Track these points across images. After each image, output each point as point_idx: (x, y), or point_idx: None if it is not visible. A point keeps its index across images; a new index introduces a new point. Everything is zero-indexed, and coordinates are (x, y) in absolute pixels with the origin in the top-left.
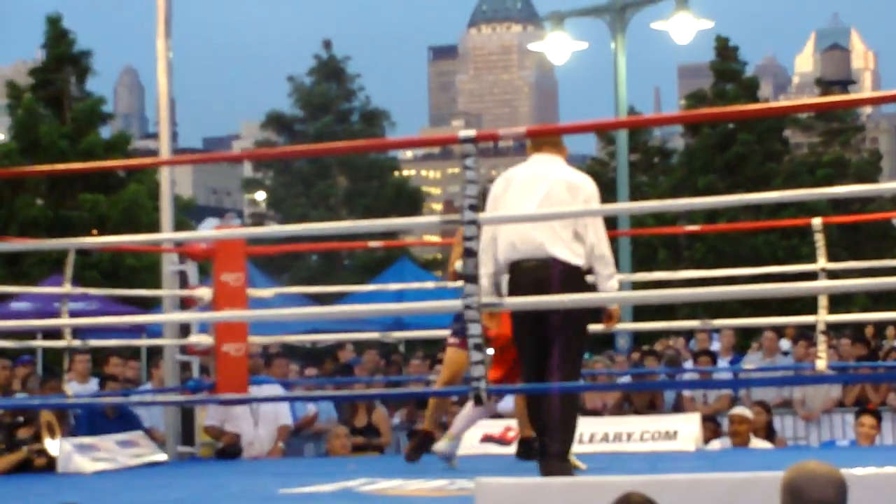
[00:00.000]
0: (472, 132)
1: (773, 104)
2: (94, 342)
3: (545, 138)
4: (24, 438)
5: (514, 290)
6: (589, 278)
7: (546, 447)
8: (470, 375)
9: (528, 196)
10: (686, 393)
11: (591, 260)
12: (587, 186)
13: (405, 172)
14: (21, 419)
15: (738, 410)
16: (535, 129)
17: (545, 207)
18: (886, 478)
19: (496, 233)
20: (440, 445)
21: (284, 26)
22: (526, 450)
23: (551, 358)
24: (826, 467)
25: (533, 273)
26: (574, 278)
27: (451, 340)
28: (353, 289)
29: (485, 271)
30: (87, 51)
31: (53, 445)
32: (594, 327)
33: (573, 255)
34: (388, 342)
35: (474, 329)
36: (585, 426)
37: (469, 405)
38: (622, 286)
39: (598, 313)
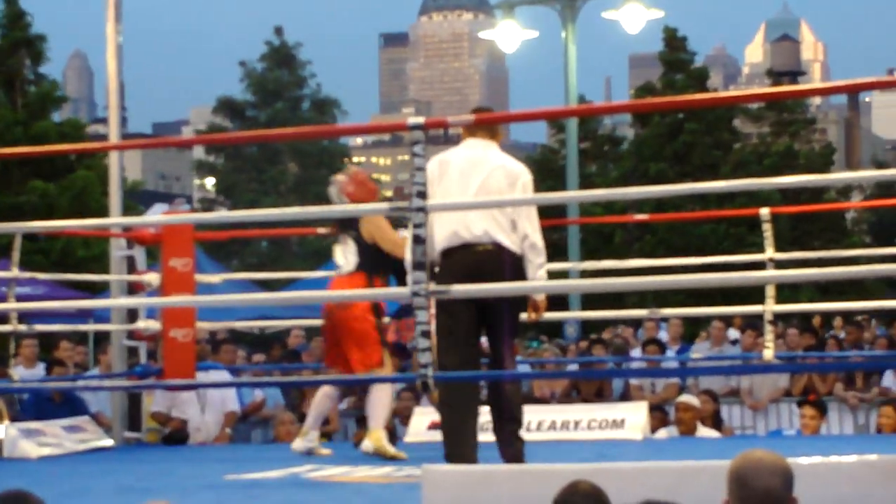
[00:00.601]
0: (420, 119)
1: (721, 94)
2: (41, 327)
3: (479, 126)
4: None
5: (451, 276)
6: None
7: (510, 433)
8: (419, 363)
9: (467, 182)
10: (633, 382)
11: (523, 248)
12: (524, 174)
13: (355, 159)
14: None
15: (685, 398)
16: (483, 116)
17: (483, 194)
18: (831, 467)
19: (431, 220)
20: (296, 444)
21: (235, 13)
22: None
23: (501, 345)
24: (772, 456)
25: (478, 259)
26: (519, 267)
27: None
28: (302, 275)
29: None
30: (42, 35)
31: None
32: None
33: (512, 243)
34: None
35: (422, 316)
36: (533, 414)
37: (318, 395)
38: (571, 275)
39: (525, 303)
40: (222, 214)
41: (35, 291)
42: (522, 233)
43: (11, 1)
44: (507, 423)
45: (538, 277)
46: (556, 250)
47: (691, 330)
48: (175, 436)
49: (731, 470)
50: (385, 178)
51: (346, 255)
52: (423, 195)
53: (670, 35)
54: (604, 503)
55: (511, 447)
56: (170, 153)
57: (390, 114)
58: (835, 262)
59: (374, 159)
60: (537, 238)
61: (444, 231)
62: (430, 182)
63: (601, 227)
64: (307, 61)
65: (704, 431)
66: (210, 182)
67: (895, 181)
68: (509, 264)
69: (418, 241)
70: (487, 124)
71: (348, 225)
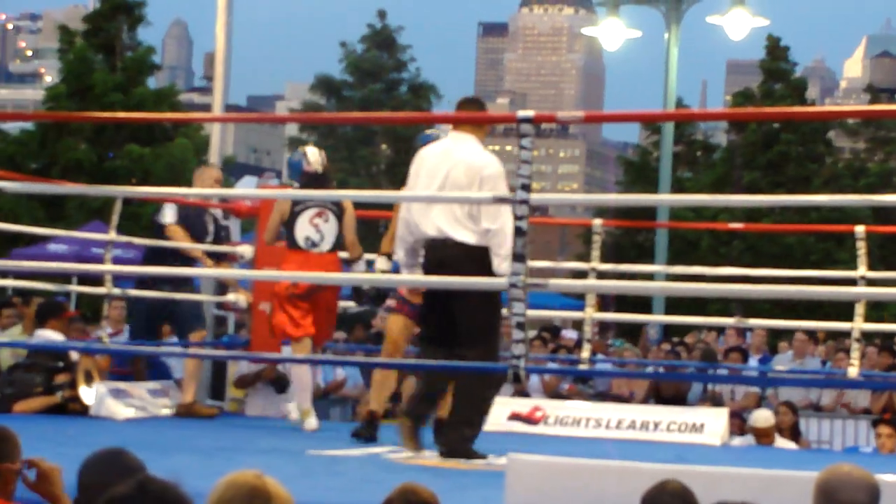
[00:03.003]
0: (530, 112)
1: (819, 108)
2: (134, 291)
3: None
4: (61, 383)
5: (425, 266)
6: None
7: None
8: (510, 353)
9: (433, 177)
10: (715, 388)
11: (487, 239)
12: (487, 166)
13: None
14: (61, 364)
15: (759, 416)
16: (592, 114)
17: (445, 189)
18: None
19: (407, 213)
20: (310, 423)
21: None
22: (369, 427)
23: (462, 341)
24: (860, 471)
25: (436, 255)
26: (471, 259)
27: (390, 304)
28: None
29: (397, 238)
30: (142, 0)
31: (88, 393)
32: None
33: (470, 238)
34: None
35: (518, 308)
36: (613, 412)
37: (297, 371)
38: (657, 278)
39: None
40: (319, 192)
41: (126, 255)
42: (484, 226)
43: None
44: (453, 420)
45: (502, 269)
46: (642, 252)
47: (772, 341)
48: (279, 381)
49: (818, 482)
50: None
51: (322, 231)
52: (527, 188)
53: (773, 43)
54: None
55: (445, 438)
56: (263, 127)
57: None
58: None
59: None
60: (500, 228)
61: (410, 224)
62: (411, 176)
63: (688, 231)
64: (407, 45)
65: (782, 442)
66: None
67: None
68: (466, 259)
69: (520, 232)
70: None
71: (336, 202)
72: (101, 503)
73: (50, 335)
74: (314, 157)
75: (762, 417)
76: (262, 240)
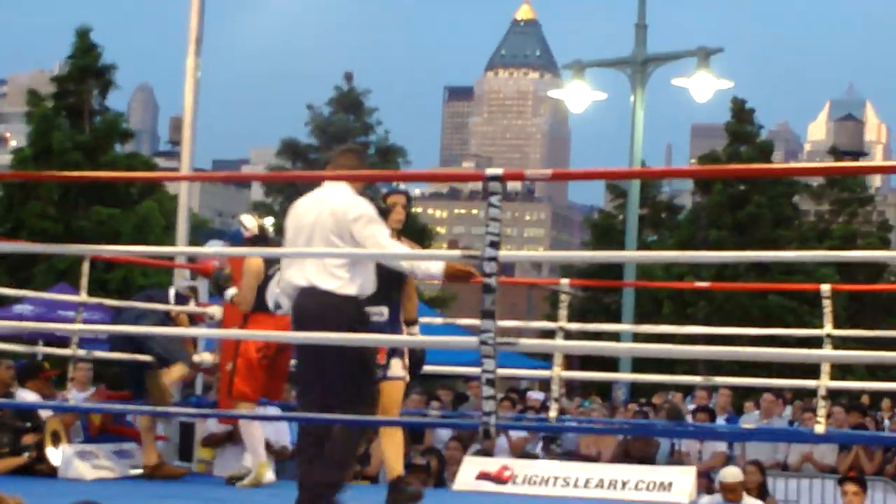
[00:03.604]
0: (498, 171)
1: (792, 165)
2: (99, 353)
3: (339, 164)
4: (28, 444)
5: (293, 319)
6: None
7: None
8: (482, 410)
9: (305, 226)
10: (682, 448)
11: (410, 268)
12: (352, 209)
13: (414, 210)
14: (28, 424)
15: (728, 473)
16: (560, 172)
17: (314, 237)
18: None
19: (284, 268)
20: (268, 476)
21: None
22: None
23: (323, 398)
24: None
25: (298, 301)
26: (335, 308)
27: (394, 373)
28: None
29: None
30: (112, 65)
31: (55, 454)
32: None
33: (338, 284)
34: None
35: (489, 365)
36: (581, 471)
37: (248, 428)
38: (624, 337)
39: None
40: (291, 251)
41: (93, 317)
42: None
43: (83, 33)
44: (317, 479)
45: (429, 274)
46: (609, 315)
47: (739, 401)
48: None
49: None
50: (441, 230)
51: (273, 296)
52: (495, 245)
53: (738, 106)
54: None
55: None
56: (228, 191)
57: (450, 167)
58: (890, 343)
59: (430, 211)
60: (417, 265)
61: (286, 275)
62: (288, 229)
63: (654, 293)
64: (374, 108)
65: (749, 501)
66: (269, 222)
67: None
68: (329, 308)
69: (489, 290)
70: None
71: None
72: None
73: (27, 396)
74: (250, 222)
75: (731, 473)
76: (232, 301)
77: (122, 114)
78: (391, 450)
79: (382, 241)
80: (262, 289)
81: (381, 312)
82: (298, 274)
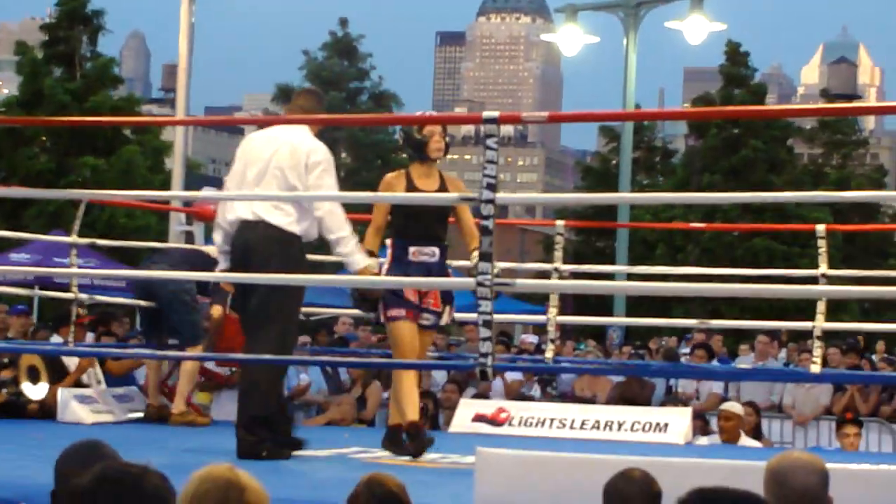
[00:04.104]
0: (495, 113)
1: (787, 106)
2: (100, 297)
3: (297, 105)
4: (4, 380)
5: (232, 251)
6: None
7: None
8: (479, 352)
9: (259, 159)
10: (678, 389)
11: (320, 228)
12: (314, 153)
13: (404, 155)
14: (6, 360)
15: (728, 406)
16: (556, 114)
17: (267, 172)
18: (872, 473)
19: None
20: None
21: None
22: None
23: (253, 329)
24: (809, 456)
25: (246, 238)
26: (279, 243)
27: (395, 313)
28: None
29: (216, 223)
30: (101, 10)
31: (33, 390)
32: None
33: (286, 220)
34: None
35: (485, 307)
36: (577, 413)
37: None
38: (619, 279)
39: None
40: (285, 194)
41: (87, 263)
42: (317, 214)
43: None
44: (244, 420)
45: (345, 254)
46: (602, 258)
47: (734, 348)
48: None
49: (769, 468)
50: None
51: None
52: (493, 187)
53: (733, 49)
54: (654, 491)
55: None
56: (221, 137)
57: (443, 112)
58: (885, 283)
59: None
60: (329, 211)
61: (231, 206)
62: (237, 160)
63: (646, 236)
64: (368, 54)
65: (746, 441)
66: None
67: None
68: (274, 242)
69: (486, 231)
70: (294, 103)
71: None
72: (66, 488)
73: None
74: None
75: (730, 407)
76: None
77: (112, 59)
78: (412, 395)
79: (324, 189)
80: None
81: (432, 253)
82: (244, 207)
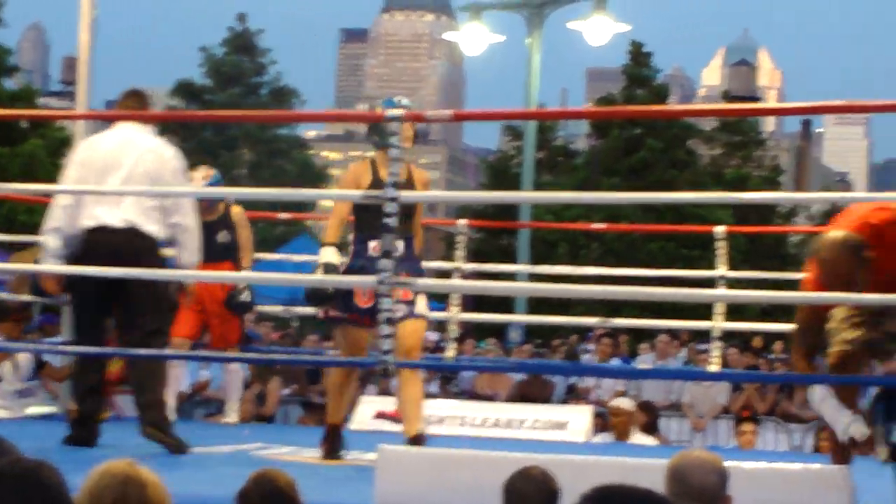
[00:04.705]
0: (399, 111)
1: (687, 106)
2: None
3: (126, 105)
4: None
5: (93, 258)
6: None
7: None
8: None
9: (118, 165)
10: (580, 386)
11: (174, 234)
12: (175, 158)
13: (308, 152)
14: None
15: (618, 402)
16: (461, 112)
17: (133, 179)
18: (770, 472)
19: (79, 199)
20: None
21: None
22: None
23: (131, 327)
24: (710, 455)
25: (109, 241)
26: (153, 251)
27: (334, 315)
28: (257, 256)
29: (52, 227)
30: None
31: None
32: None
33: (158, 228)
34: (285, 318)
35: (386, 304)
36: (478, 410)
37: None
38: (520, 278)
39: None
40: (188, 189)
41: None
42: (174, 220)
43: None
44: (142, 408)
45: (188, 263)
46: (504, 257)
47: (634, 347)
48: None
49: (669, 466)
50: (336, 172)
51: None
52: (397, 185)
53: (636, 49)
54: (553, 489)
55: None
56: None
57: (345, 109)
58: (783, 286)
59: (324, 153)
60: (189, 223)
61: (88, 212)
62: (80, 163)
63: (547, 235)
64: (268, 49)
65: (639, 438)
66: None
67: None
68: (151, 250)
69: (387, 229)
70: (127, 102)
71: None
72: None
73: None
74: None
75: (620, 402)
76: None
77: (7, 49)
78: (415, 402)
79: (185, 204)
80: None
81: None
82: (111, 212)
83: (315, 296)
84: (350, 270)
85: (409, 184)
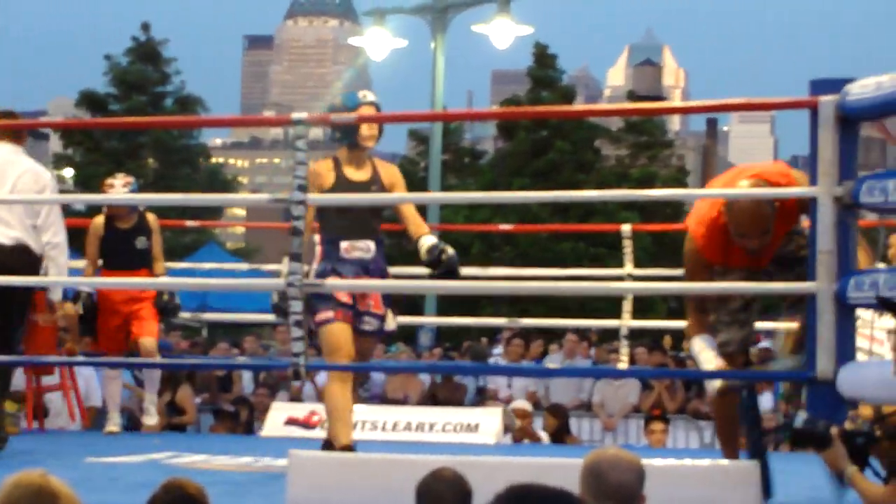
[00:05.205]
0: (304, 114)
1: (594, 106)
2: None
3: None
4: None
5: None
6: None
7: None
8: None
9: (1, 183)
10: (490, 387)
11: (46, 250)
12: (46, 174)
13: (213, 160)
14: None
15: (518, 404)
16: (365, 115)
17: (16, 195)
18: (684, 470)
19: None
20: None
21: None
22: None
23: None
24: (626, 453)
25: (2, 258)
26: (31, 265)
27: (323, 316)
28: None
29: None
30: None
31: None
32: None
33: (36, 244)
34: (192, 325)
35: (296, 307)
36: (388, 414)
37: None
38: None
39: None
40: (89, 197)
41: None
42: (45, 238)
43: None
44: None
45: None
46: (412, 259)
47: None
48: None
49: (585, 464)
50: (243, 179)
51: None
52: (303, 188)
53: (541, 51)
54: (466, 489)
55: None
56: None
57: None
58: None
59: (231, 160)
60: (60, 240)
61: None
62: None
63: (459, 237)
64: (172, 58)
65: (541, 435)
66: (68, 174)
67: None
68: (30, 264)
69: (296, 232)
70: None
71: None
72: None
73: None
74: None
75: (517, 405)
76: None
77: None
78: (342, 410)
79: (53, 216)
80: None
81: (366, 247)
82: (1, 231)
83: (280, 307)
84: (322, 273)
85: (376, 180)
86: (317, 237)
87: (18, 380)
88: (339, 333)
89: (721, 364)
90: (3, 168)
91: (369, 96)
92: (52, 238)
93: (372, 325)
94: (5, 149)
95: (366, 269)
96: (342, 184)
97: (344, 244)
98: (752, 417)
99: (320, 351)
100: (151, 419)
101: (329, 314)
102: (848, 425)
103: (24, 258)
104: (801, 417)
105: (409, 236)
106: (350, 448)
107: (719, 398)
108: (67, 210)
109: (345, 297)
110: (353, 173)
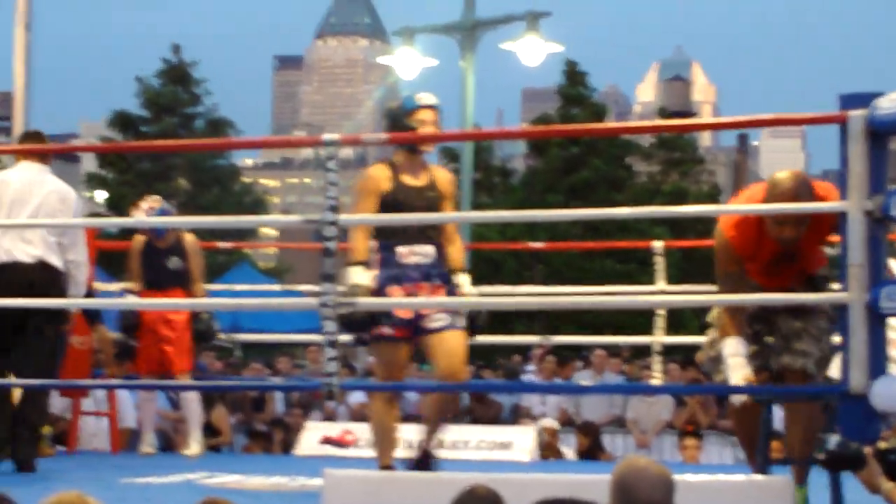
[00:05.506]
0: (336, 136)
1: (628, 123)
2: None
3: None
4: None
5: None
6: None
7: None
8: (325, 372)
9: (26, 203)
10: (523, 404)
11: (68, 266)
12: (71, 193)
13: (245, 180)
14: None
15: (545, 423)
16: (396, 136)
17: (39, 215)
18: (716, 485)
19: None
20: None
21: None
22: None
23: (20, 353)
24: (656, 466)
25: (22, 276)
26: (58, 283)
27: (377, 332)
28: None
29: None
30: None
31: None
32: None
33: (60, 262)
34: (225, 346)
35: (329, 327)
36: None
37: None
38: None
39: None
40: (120, 220)
41: None
42: (70, 256)
43: None
44: (22, 428)
45: (79, 294)
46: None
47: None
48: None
49: (614, 477)
50: (275, 199)
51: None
52: (335, 209)
53: (571, 68)
54: None
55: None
56: (57, 165)
57: (281, 136)
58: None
59: (262, 180)
60: (81, 258)
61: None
62: None
63: (491, 255)
64: (203, 79)
65: (566, 452)
66: (101, 196)
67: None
68: (56, 282)
69: (328, 253)
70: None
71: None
72: None
73: None
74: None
75: (546, 423)
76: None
77: None
78: (384, 430)
79: (77, 235)
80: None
81: (426, 252)
82: (23, 248)
83: (351, 322)
84: (384, 283)
85: (433, 187)
86: (373, 244)
87: (54, 400)
88: (390, 353)
89: (748, 374)
90: (29, 187)
91: (427, 99)
92: (76, 256)
93: (442, 320)
94: (32, 168)
95: (427, 275)
96: (400, 189)
97: (401, 249)
98: (764, 430)
99: (353, 370)
100: (192, 450)
101: (385, 329)
102: (882, 445)
103: (44, 275)
104: (833, 440)
105: (445, 257)
106: (389, 468)
107: (740, 410)
108: (100, 233)
109: (404, 312)
110: (410, 179)
